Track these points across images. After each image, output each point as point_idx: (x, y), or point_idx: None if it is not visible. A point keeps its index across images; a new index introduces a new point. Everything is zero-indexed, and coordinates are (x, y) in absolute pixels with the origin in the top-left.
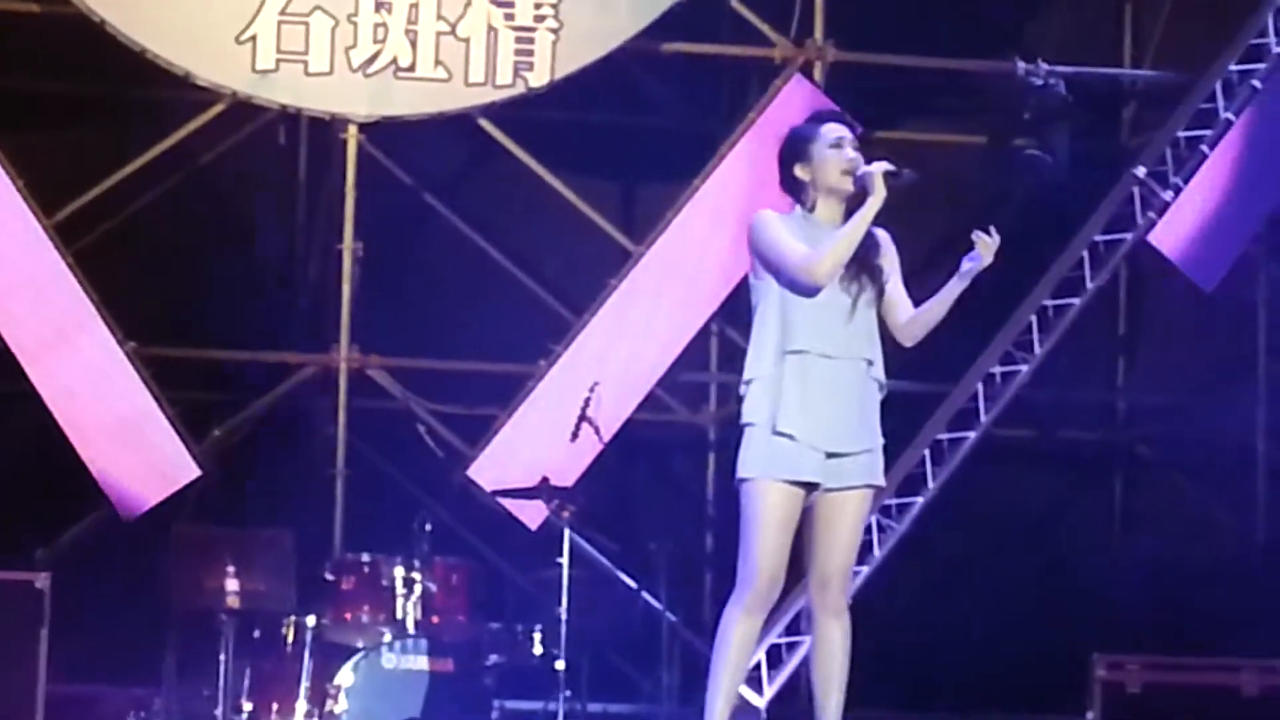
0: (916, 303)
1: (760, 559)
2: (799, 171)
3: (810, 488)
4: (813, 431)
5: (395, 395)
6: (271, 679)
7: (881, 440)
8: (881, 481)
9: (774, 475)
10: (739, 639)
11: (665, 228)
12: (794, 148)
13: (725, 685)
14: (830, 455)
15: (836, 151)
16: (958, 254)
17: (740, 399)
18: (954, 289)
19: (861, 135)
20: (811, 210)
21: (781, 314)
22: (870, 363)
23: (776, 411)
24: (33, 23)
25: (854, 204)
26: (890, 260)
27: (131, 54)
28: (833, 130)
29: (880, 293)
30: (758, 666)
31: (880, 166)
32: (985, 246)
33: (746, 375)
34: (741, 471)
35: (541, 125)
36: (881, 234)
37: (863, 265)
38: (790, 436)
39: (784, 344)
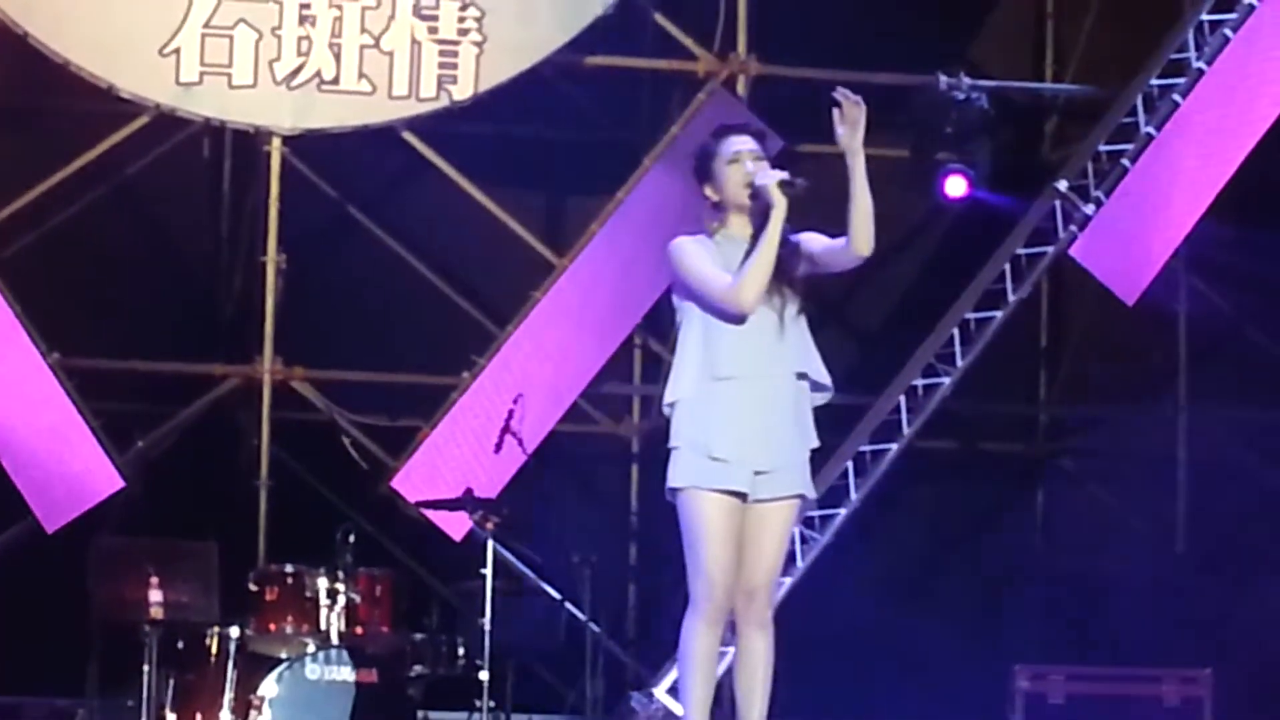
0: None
1: (711, 571)
2: (708, 192)
3: (740, 497)
4: (744, 450)
5: (319, 407)
6: (195, 690)
7: (816, 443)
8: (810, 492)
9: (704, 484)
10: (703, 652)
11: (589, 240)
12: (700, 168)
13: (698, 700)
14: (758, 472)
15: (735, 166)
16: (879, 264)
17: (666, 420)
18: (855, 176)
19: (783, 146)
20: (723, 227)
21: (705, 339)
22: (804, 375)
23: (709, 439)
24: None
25: (764, 216)
26: (806, 253)
27: (55, 66)
28: (731, 144)
29: (807, 301)
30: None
31: (774, 176)
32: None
33: (667, 399)
34: (672, 483)
35: (465, 138)
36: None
37: (783, 279)
38: (725, 461)
39: (711, 370)
